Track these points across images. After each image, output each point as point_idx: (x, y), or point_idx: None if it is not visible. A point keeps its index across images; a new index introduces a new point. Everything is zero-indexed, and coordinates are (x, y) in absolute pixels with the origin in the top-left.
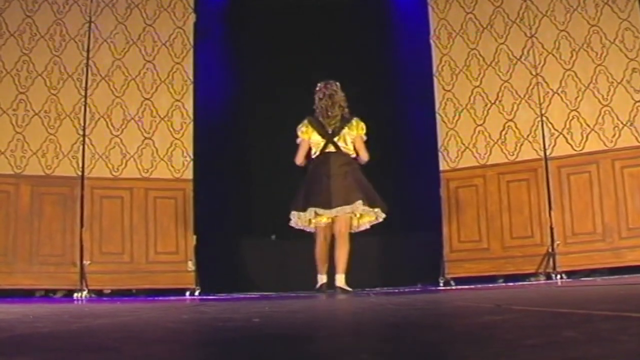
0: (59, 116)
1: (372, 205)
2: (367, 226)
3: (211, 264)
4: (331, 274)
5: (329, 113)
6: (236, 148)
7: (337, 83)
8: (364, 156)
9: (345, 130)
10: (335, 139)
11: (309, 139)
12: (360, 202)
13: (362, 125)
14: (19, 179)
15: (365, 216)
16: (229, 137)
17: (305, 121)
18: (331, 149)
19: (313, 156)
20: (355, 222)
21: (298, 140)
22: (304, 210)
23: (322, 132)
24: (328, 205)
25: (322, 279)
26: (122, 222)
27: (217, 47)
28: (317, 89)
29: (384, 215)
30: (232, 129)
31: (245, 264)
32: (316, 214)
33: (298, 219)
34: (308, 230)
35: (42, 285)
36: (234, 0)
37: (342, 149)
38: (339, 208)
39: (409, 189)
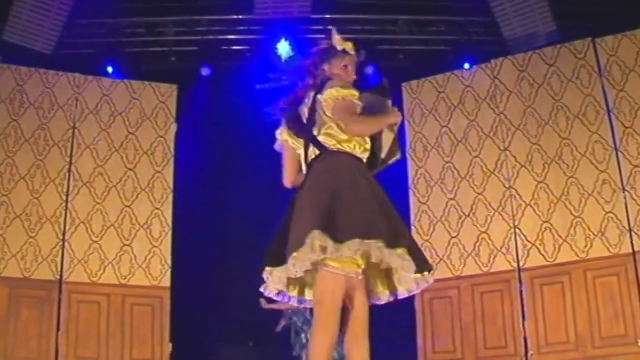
0: (40, 219)
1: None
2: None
3: None
4: None
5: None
6: (215, 256)
7: None
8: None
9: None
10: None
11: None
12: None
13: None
14: None
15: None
16: (209, 245)
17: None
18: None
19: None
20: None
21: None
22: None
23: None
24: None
25: None
26: (99, 327)
27: (197, 155)
28: None
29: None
30: (212, 237)
31: None
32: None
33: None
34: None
35: None
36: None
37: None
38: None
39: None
